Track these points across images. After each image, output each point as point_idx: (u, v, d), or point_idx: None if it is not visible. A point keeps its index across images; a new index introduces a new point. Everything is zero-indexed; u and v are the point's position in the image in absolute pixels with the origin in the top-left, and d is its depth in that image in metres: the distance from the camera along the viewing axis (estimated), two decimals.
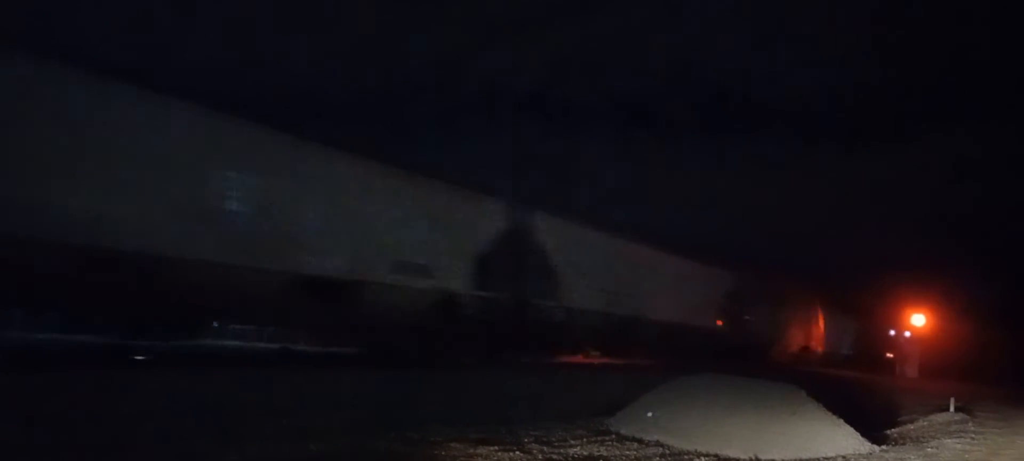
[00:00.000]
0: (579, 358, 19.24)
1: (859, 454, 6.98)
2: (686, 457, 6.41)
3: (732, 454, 6.49)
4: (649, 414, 7.60)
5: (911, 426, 9.72)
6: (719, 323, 24.05)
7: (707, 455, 6.49)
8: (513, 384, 10.75)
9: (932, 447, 7.80)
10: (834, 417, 7.48)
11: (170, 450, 5.28)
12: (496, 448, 6.06)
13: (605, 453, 6.34)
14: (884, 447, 7.55)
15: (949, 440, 8.30)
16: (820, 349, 29.84)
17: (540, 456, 6.00)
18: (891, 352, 28.35)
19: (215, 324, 14.00)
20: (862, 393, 14.05)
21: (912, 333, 27.45)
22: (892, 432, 8.98)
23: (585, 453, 6.27)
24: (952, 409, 10.91)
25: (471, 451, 5.91)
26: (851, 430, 7.37)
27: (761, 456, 6.40)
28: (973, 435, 8.77)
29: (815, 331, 29.95)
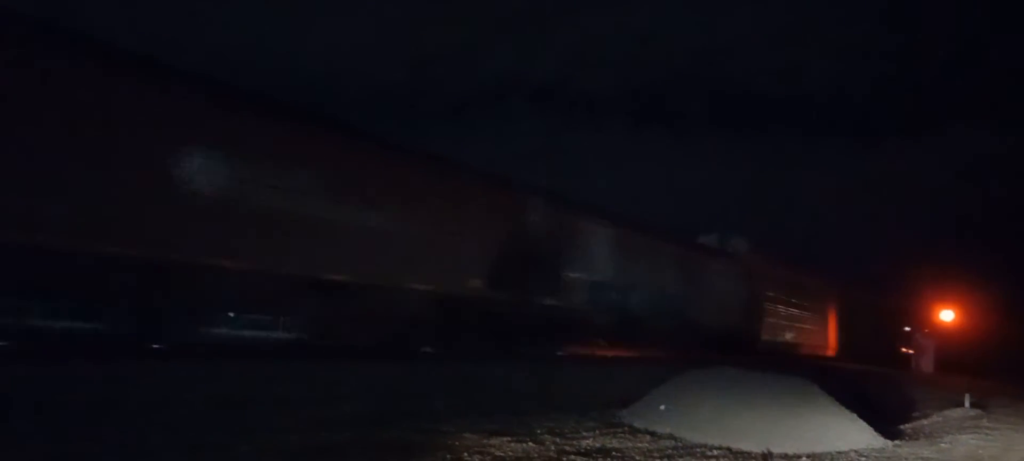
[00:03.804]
0: None
1: (872, 448, 6.96)
2: (698, 450, 6.43)
3: (744, 447, 6.50)
4: (661, 407, 7.62)
5: (925, 421, 9.69)
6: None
7: (719, 448, 6.50)
8: None
9: (946, 442, 7.78)
10: (847, 411, 7.47)
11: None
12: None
13: (618, 445, 6.37)
14: (897, 442, 7.53)
15: (963, 436, 8.27)
16: (835, 343, 29.71)
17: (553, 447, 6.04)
18: (907, 347, 28.20)
19: None
20: (876, 388, 13.99)
21: (928, 328, 27.37)
22: (906, 427, 8.95)
23: (597, 445, 6.30)
24: (967, 405, 10.87)
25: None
26: (864, 424, 7.36)
27: (773, 449, 6.40)
28: (987, 431, 8.74)
29: (830, 326, 29.80)
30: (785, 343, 25.98)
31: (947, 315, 28.15)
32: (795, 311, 27.47)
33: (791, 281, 27.12)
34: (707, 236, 24.13)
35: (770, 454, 6.33)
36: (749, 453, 6.35)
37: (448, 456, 5.43)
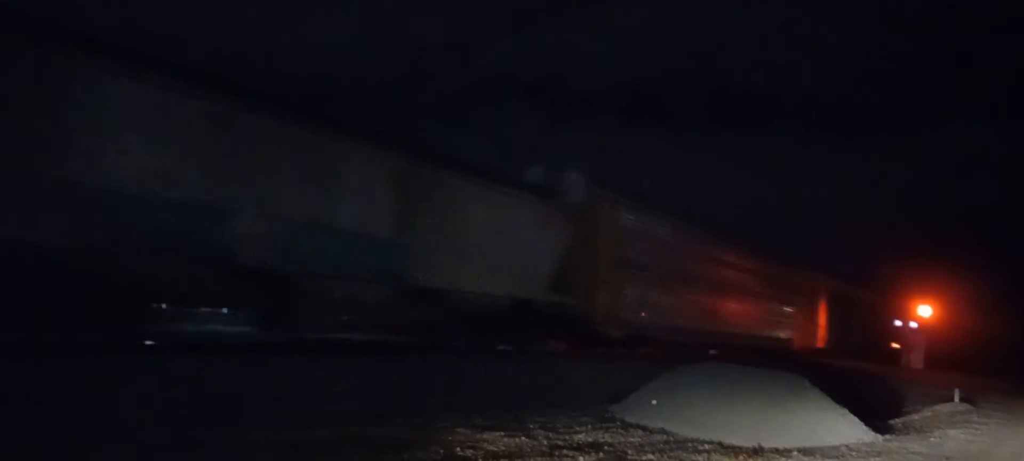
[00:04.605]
0: None
1: (863, 443, 7.00)
2: (690, 444, 6.44)
3: (735, 442, 6.52)
4: (653, 402, 7.64)
5: (915, 416, 9.74)
6: None
7: (711, 443, 6.52)
8: None
9: (936, 437, 7.84)
10: (838, 406, 7.51)
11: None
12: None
13: (610, 439, 6.39)
14: (888, 436, 7.58)
15: (953, 430, 8.33)
16: (825, 339, 29.78)
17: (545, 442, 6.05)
18: (896, 342, 28.33)
19: None
20: (867, 383, 14.06)
21: (918, 324, 27.45)
22: (896, 421, 9.00)
23: (590, 440, 6.31)
24: (957, 400, 10.95)
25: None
26: (855, 419, 7.40)
27: (764, 444, 6.43)
28: (977, 426, 8.81)
29: (820, 321, 29.86)
30: (692, 330, 19.91)
31: (925, 310, 28.02)
32: (726, 291, 22.39)
33: (710, 252, 21.48)
34: (532, 169, 17.21)
35: (761, 448, 6.36)
36: (740, 447, 6.37)
37: (441, 451, 5.43)
